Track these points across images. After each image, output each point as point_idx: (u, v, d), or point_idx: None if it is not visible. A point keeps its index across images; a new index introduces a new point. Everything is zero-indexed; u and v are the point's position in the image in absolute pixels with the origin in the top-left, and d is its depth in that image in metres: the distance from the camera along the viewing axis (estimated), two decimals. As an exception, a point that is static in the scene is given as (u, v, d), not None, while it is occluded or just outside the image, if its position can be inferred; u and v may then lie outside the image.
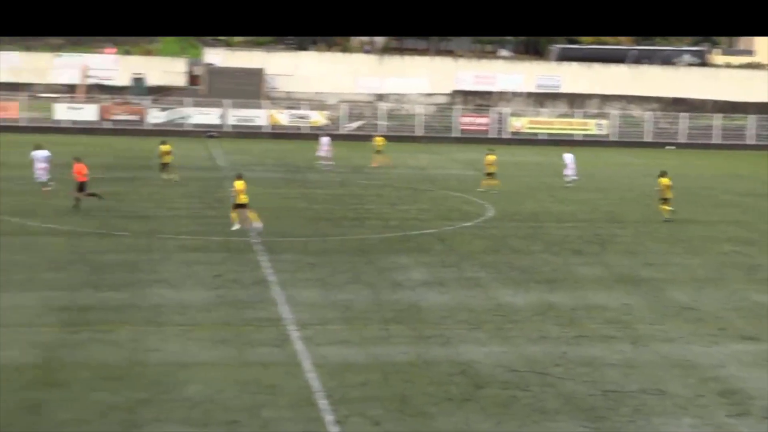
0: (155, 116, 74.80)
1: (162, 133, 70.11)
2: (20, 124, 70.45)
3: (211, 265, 28.09)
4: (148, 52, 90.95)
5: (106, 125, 72.47)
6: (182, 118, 74.71)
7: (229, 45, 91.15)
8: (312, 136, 57.43)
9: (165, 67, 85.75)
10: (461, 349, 20.84)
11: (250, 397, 17.44)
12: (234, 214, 33.17)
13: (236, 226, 32.89)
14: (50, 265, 27.35)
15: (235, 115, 75.15)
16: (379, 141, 56.43)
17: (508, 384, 18.60)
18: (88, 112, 74.29)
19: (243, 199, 32.81)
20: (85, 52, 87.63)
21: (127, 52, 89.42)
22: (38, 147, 42.10)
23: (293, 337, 21.20)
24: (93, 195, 36.63)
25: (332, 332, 21.76)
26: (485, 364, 19.74)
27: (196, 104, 75.82)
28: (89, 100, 77.49)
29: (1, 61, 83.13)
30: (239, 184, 32.90)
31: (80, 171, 36.45)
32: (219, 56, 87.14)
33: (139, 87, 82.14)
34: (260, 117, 76.03)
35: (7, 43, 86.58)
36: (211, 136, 71.19)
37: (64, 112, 73.85)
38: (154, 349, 20.10)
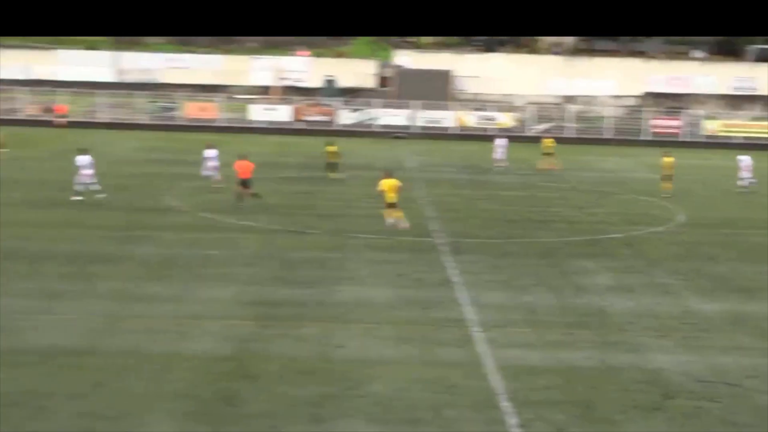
0: (346, 117, 76.32)
1: (352, 133, 71.67)
2: (218, 124, 73.24)
3: (397, 264, 28.52)
4: (339, 54, 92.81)
5: (299, 126, 74.37)
6: (371, 119, 75.94)
7: (418, 47, 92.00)
8: (499, 137, 57.29)
9: (356, 69, 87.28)
10: (648, 356, 20.47)
11: (433, 396, 17.66)
12: (386, 212, 33.84)
13: (391, 221, 33.58)
14: (244, 260, 28.39)
15: (423, 117, 75.85)
16: (547, 143, 55.75)
17: (696, 394, 18.16)
18: (281, 113, 76.49)
19: (391, 198, 33.34)
20: (280, 55, 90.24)
21: (320, 55, 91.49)
22: (210, 146, 43.89)
23: (476, 338, 21.31)
24: (254, 194, 37.68)
25: (515, 335, 21.76)
26: (673, 373, 19.33)
27: (385, 105, 76.91)
28: (283, 101, 79.78)
29: (204, 64, 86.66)
30: (386, 183, 33.46)
31: (243, 168, 37.60)
32: (408, 58, 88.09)
33: (330, 88, 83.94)
34: (447, 118, 76.45)
35: (209, 45, 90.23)
36: (400, 137, 72.06)
37: (259, 112, 76.28)
38: (341, 346, 20.60)
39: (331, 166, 47.03)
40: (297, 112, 76.55)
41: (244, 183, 37.45)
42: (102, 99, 75.17)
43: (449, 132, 74.86)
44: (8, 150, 44.45)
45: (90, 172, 38.14)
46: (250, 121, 74.93)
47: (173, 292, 24.40)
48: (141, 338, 20.55)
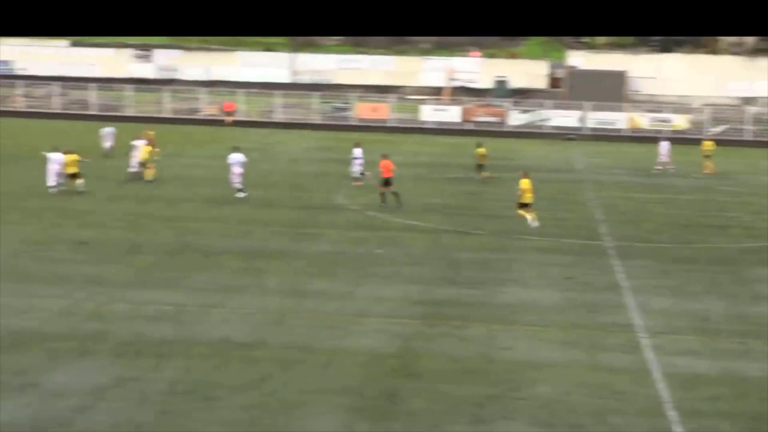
0: (516, 118, 75.91)
1: (522, 134, 71.26)
2: (389, 125, 74.07)
3: (563, 267, 28.20)
4: (511, 55, 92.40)
5: (468, 126, 74.38)
6: (542, 120, 75.27)
7: (591, 47, 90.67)
8: (673, 140, 55.89)
9: (527, 70, 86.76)
10: (826, 369, 19.57)
11: (597, 402, 17.39)
12: (521, 212, 33.84)
13: (533, 223, 33.45)
14: (410, 259, 28.62)
15: (594, 118, 74.64)
16: (708, 145, 53.83)
17: None
18: (451, 114, 76.71)
19: (527, 198, 33.52)
20: (451, 56, 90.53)
21: (492, 55, 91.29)
22: (358, 145, 44.57)
23: (643, 345, 20.85)
24: (394, 193, 37.77)
25: (684, 342, 21.18)
26: None
27: (556, 107, 76.10)
28: (453, 102, 80.00)
29: (376, 65, 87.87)
30: (525, 183, 33.49)
31: (387, 167, 37.83)
32: (581, 58, 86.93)
33: (501, 89, 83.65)
34: (620, 120, 74.99)
35: (382, 47, 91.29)
36: (570, 139, 71.18)
37: (429, 113, 76.73)
38: (505, 347, 20.51)
39: (480, 168, 46.89)
40: (466, 112, 76.58)
41: (387, 182, 37.80)
42: (278, 99, 77.06)
43: (621, 134, 73.40)
44: (159, 150, 46.38)
45: (240, 170, 38.87)
46: (421, 122, 75.40)
47: (341, 289, 24.83)
48: (308, 333, 21.00)
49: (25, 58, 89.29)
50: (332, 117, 76.54)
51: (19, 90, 78.85)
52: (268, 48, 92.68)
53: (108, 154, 48.90)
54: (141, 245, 29.30)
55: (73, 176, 38.43)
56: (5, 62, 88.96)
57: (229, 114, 74.86)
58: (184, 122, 74.39)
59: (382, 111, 76.71)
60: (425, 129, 73.61)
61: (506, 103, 78.08)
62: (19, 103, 77.85)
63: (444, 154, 56.43)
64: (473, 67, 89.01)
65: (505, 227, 34.11)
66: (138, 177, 42.02)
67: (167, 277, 25.57)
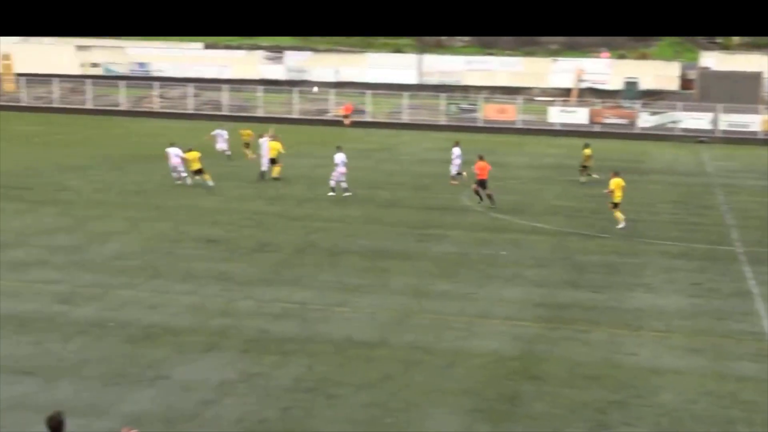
0: (645, 120, 74.49)
1: (651, 137, 69.95)
2: (516, 126, 73.66)
3: (692, 272, 27.61)
4: (642, 56, 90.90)
5: (596, 128, 73.35)
6: (673, 122, 73.69)
7: (726, 48, 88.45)
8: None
9: (658, 71, 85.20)
10: None
11: (722, 412, 16.99)
12: (617, 213, 33.94)
13: (622, 225, 33.50)
14: (534, 261, 28.43)
15: (727, 120, 72.69)
16: None
17: None
18: (579, 116, 75.79)
19: (619, 197, 33.73)
20: (581, 57, 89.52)
21: (621, 56, 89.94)
22: (456, 144, 44.76)
23: (774, 354, 20.27)
24: (489, 196, 37.56)
25: (818, 352, 20.51)
26: None
27: (687, 108, 74.41)
28: (581, 104, 79.06)
29: (504, 66, 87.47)
30: (615, 183, 33.71)
31: (482, 169, 37.61)
32: (714, 59, 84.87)
33: (630, 91, 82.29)
34: (754, 122, 72.86)
35: (510, 48, 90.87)
36: (702, 141, 69.53)
37: (556, 114, 75.98)
38: (630, 353, 20.21)
39: (584, 169, 46.16)
40: (594, 114, 75.56)
41: (482, 183, 37.63)
42: (404, 100, 77.42)
43: (756, 137, 71.30)
44: (254, 154, 47.51)
45: (343, 169, 39.29)
46: (549, 124, 74.73)
47: (463, 291, 24.84)
48: (430, 334, 21.08)
49: (161, 60, 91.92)
50: (458, 118, 76.50)
51: (155, 91, 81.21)
52: (397, 49, 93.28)
53: (224, 155, 49.67)
54: (268, 244, 29.88)
55: (198, 172, 40.29)
56: (143, 64, 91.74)
57: (347, 116, 75.70)
58: (312, 123, 75.48)
59: (510, 112, 76.31)
60: (552, 131, 72.93)
61: (636, 104, 76.73)
62: (155, 104, 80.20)
63: (570, 156, 55.66)
64: (603, 69, 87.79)
65: (632, 231, 33.56)
66: (265, 176, 42.79)
67: (293, 275, 26.01)
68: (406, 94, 77.83)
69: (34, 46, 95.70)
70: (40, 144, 56.28)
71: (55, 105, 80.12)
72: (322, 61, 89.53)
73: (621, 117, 75.35)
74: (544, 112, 76.46)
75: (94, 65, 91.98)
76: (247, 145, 50.33)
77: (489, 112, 76.66)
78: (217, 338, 20.28)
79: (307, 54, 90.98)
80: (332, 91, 79.84)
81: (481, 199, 37.55)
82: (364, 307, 23.03)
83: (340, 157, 39.41)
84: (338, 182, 39.62)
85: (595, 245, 31.18)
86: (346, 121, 75.16)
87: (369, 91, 78.57)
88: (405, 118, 76.22)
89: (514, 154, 57.84)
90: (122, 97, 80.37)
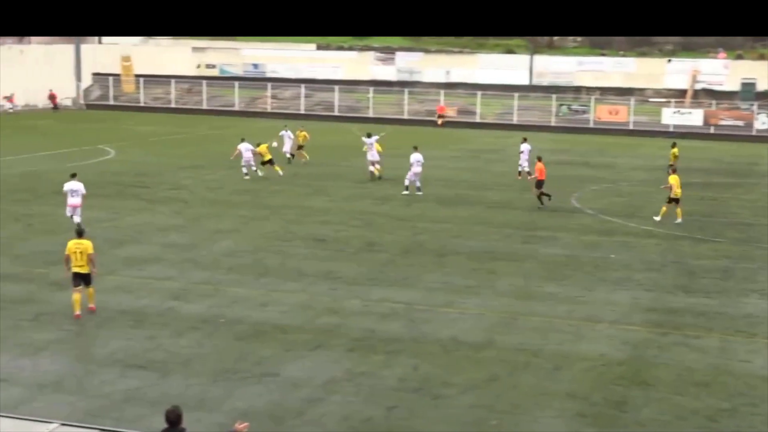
0: (763, 122, 72.47)
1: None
2: (630, 128, 72.51)
3: (810, 279, 26.80)
4: (760, 57, 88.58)
5: (711, 130, 71.66)
6: (792, 124, 71.50)
7: None
8: None
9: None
10: None
11: (841, 422, 16.47)
12: (664, 207, 34.91)
13: (658, 218, 34.68)
14: (644, 265, 27.97)
15: None
16: None
17: None
18: (693, 117, 74.15)
19: (677, 193, 34.64)
20: (697, 57, 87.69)
21: (739, 57, 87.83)
22: (524, 140, 45.47)
23: None
24: (546, 195, 37.48)
25: None
26: None
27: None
28: (696, 105, 77.40)
29: (617, 67, 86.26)
30: (674, 179, 34.75)
31: (541, 170, 37.46)
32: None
33: (748, 92, 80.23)
34: None
35: (623, 48, 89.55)
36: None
37: (670, 116, 74.50)
38: (742, 360, 19.75)
39: (670, 167, 45.05)
40: (709, 116, 73.81)
41: (539, 184, 37.40)
42: (515, 101, 76.90)
43: None
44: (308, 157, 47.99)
45: (418, 169, 39.53)
46: (663, 125, 73.31)
47: (571, 293, 24.61)
48: (537, 336, 20.95)
49: (274, 61, 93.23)
50: (569, 119, 75.68)
51: (268, 92, 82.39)
52: (509, 50, 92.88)
53: (290, 157, 49.26)
54: (376, 243, 30.06)
55: (269, 162, 43.11)
56: (257, 65, 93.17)
57: (441, 116, 76.09)
58: (422, 123, 75.65)
59: (622, 113, 75.13)
60: (666, 132, 71.53)
61: (753, 106, 74.73)
62: (268, 105, 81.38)
63: (684, 158, 54.59)
64: (719, 69, 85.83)
65: (748, 235, 32.78)
66: (373, 176, 43.05)
67: (400, 275, 26.12)
68: (516, 95, 77.32)
69: (152, 48, 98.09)
70: (157, 143, 57.69)
71: (171, 105, 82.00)
72: (433, 62, 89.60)
73: (737, 119, 73.44)
74: (658, 114, 75.04)
75: (210, 66, 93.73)
76: (300, 147, 50.16)
77: (601, 113, 75.57)
78: (324, 337, 20.51)
79: (419, 55, 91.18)
80: (442, 91, 79.81)
81: (542, 202, 37.35)
82: (470, 308, 23.01)
83: (415, 157, 39.78)
84: (412, 182, 39.87)
85: (708, 249, 30.51)
86: (439, 121, 75.67)
87: (479, 92, 78.29)
88: (515, 119, 75.72)
89: (626, 156, 56.98)
90: (236, 98, 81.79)
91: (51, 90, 79.69)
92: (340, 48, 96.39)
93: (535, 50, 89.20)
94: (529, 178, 41.95)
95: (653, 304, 23.82)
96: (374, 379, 18.02)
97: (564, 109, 76.51)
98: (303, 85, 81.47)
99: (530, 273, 26.74)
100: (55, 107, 79.40)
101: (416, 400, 17.10)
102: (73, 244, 21.62)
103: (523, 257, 28.71)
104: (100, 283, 23.34)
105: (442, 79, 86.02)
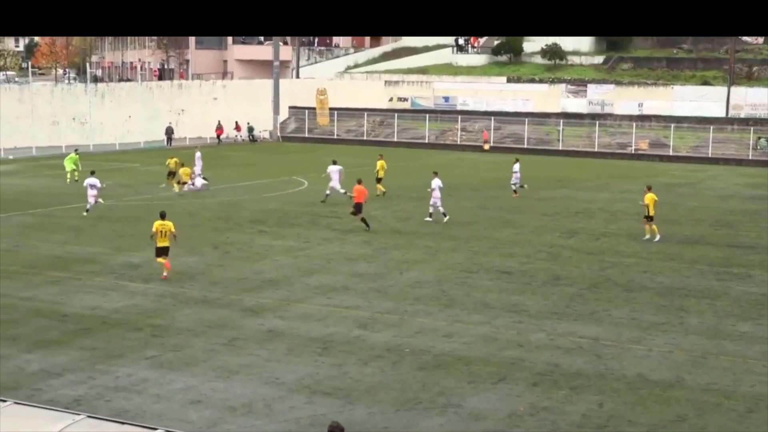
0: None
1: None
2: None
3: None
4: None
5: None
6: None
7: None
8: None
9: None
10: None
11: None
12: (647, 226, 36.57)
13: (648, 237, 36.30)
14: None
15: None
16: None
17: None
18: None
19: (651, 211, 36.32)
20: None
21: None
22: (516, 160, 47.28)
23: None
24: (365, 221, 37.56)
25: None
26: None
27: None
28: None
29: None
30: (649, 198, 36.30)
31: (361, 192, 37.85)
32: None
33: None
34: None
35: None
36: None
37: None
38: None
39: None
40: None
41: (358, 207, 37.62)
42: (710, 134, 74.66)
43: None
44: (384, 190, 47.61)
45: (438, 194, 39.97)
46: None
47: (766, 333, 23.69)
48: (728, 377, 20.28)
49: (464, 94, 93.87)
50: (765, 152, 72.89)
51: (458, 124, 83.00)
52: (705, 82, 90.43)
53: (338, 193, 46.18)
54: (562, 277, 29.80)
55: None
56: (448, 98, 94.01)
57: (486, 141, 78.98)
58: (612, 156, 74.55)
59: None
60: None
61: None
62: (457, 137, 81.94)
63: None
64: None
65: None
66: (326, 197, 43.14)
67: (586, 309, 25.81)
68: (711, 127, 75.10)
69: (347, 82, 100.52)
70: (348, 175, 58.95)
71: (364, 138, 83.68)
72: (626, 94, 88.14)
73: None
74: None
75: (402, 99, 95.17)
76: (379, 180, 48.58)
77: (802, 146, 72.49)
78: (507, 369, 20.49)
79: (611, 87, 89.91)
80: (634, 124, 78.40)
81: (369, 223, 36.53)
82: (659, 346, 22.50)
83: (436, 182, 40.30)
84: (436, 207, 40.13)
85: None
86: (485, 146, 78.36)
87: (673, 124, 76.48)
88: (710, 152, 73.52)
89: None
90: (426, 130, 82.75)
91: (219, 121, 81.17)
92: (531, 81, 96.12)
93: (732, 81, 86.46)
94: (525, 187, 44.86)
95: None
96: (557, 415, 17.87)
97: (762, 142, 73.73)
98: (492, 118, 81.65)
99: (723, 311, 25.92)
100: (219, 140, 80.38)
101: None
102: (159, 224, 28.41)
103: (715, 294, 27.86)
104: (290, 310, 24.57)
105: (635, 112, 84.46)
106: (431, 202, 40.52)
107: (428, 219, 40.26)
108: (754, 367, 20.93)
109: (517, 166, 49.04)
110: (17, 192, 46.46)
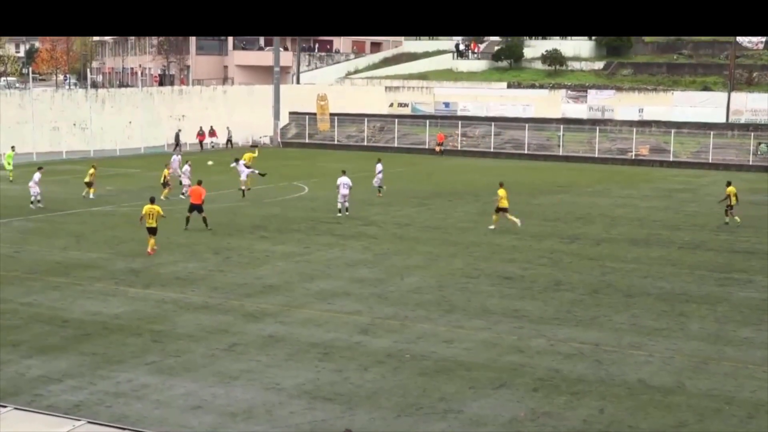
0: None
1: None
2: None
3: None
4: None
5: None
6: None
7: None
8: None
9: None
10: None
11: None
12: (495, 216, 39.39)
13: (492, 227, 39.10)
14: None
15: None
16: None
17: None
18: None
19: (504, 203, 39.02)
20: None
21: None
22: (379, 160, 48.09)
23: None
24: (187, 221, 37.82)
25: None
26: None
27: None
28: None
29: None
30: (502, 192, 38.85)
31: (195, 192, 38.13)
32: None
33: None
34: None
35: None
36: None
37: None
38: None
39: (728, 208, 42.23)
40: None
41: (197, 208, 37.58)
42: (710, 139, 74.64)
43: None
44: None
45: (345, 192, 41.64)
46: None
47: (766, 339, 23.67)
48: (729, 382, 20.27)
49: (465, 99, 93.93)
50: (766, 158, 72.88)
51: (459, 130, 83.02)
52: (705, 87, 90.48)
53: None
54: (562, 282, 29.80)
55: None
56: (448, 104, 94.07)
57: (440, 144, 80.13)
58: (613, 162, 74.59)
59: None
60: None
61: None
62: (458, 143, 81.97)
63: None
64: None
65: None
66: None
67: (587, 315, 25.80)
68: (712, 133, 75.11)
69: (347, 88, 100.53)
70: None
71: (364, 143, 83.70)
72: (627, 100, 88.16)
73: None
74: None
75: (402, 105, 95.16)
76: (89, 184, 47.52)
77: (803, 151, 72.50)
78: (508, 375, 20.48)
79: (611, 92, 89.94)
80: (635, 129, 78.42)
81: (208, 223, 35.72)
82: (660, 351, 22.49)
83: (341, 180, 42.28)
84: (343, 204, 42.26)
85: None
86: (437, 149, 79.66)
87: (673, 130, 76.51)
88: (710, 157, 73.50)
89: None
90: (427, 136, 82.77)
91: (201, 127, 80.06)
92: (532, 86, 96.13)
93: (733, 87, 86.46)
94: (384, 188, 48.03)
95: None
96: (558, 420, 17.86)
97: (763, 147, 73.74)
98: (493, 123, 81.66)
99: (723, 316, 25.91)
100: (201, 147, 78.97)
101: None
102: (148, 208, 32.53)
103: (716, 300, 27.84)
104: (291, 316, 24.63)
105: (635, 117, 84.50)
106: (339, 200, 42.54)
107: (339, 215, 42.23)
108: (755, 373, 20.91)
109: (379, 167, 50.54)
110: (18, 197, 46.47)
